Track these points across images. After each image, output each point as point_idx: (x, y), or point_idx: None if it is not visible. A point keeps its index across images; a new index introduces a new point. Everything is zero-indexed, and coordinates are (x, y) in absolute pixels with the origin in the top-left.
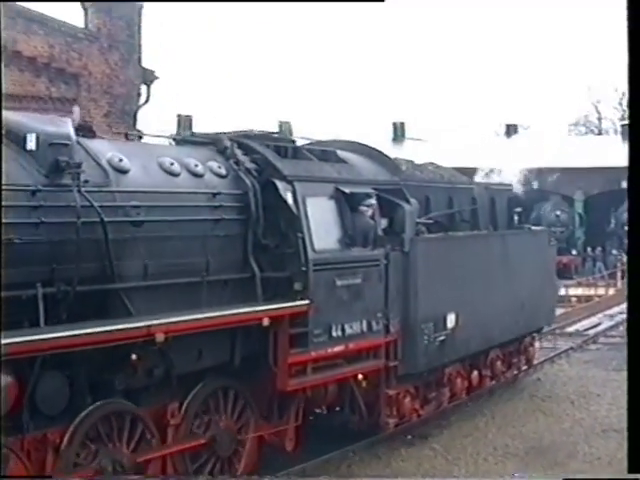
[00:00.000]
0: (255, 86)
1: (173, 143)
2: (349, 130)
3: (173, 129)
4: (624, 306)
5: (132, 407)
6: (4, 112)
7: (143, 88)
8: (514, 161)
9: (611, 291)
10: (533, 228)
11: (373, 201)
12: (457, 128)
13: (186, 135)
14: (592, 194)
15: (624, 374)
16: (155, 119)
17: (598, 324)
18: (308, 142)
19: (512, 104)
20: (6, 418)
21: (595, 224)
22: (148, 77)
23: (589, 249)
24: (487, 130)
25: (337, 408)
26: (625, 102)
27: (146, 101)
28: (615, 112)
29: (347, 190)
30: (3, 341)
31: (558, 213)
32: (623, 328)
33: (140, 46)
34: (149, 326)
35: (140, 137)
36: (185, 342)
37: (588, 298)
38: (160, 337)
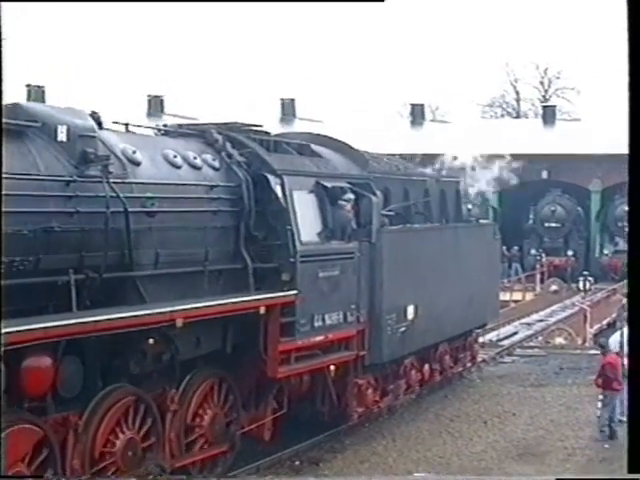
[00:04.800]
0: (126, 58)
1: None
2: (227, 105)
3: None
4: (543, 313)
5: (142, 392)
6: (32, 104)
7: None
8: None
9: (529, 296)
10: (480, 221)
11: (351, 195)
12: (357, 108)
13: (174, 126)
14: (507, 186)
15: (543, 390)
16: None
17: (514, 333)
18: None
19: (418, 82)
20: (40, 399)
21: (510, 220)
22: None
23: (504, 248)
24: (390, 110)
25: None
26: (547, 81)
27: None
28: (535, 92)
29: (328, 184)
30: (46, 324)
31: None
32: (542, 338)
33: None
34: (172, 312)
35: (126, 127)
36: (188, 330)
37: (503, 304)
38: (179, 322)
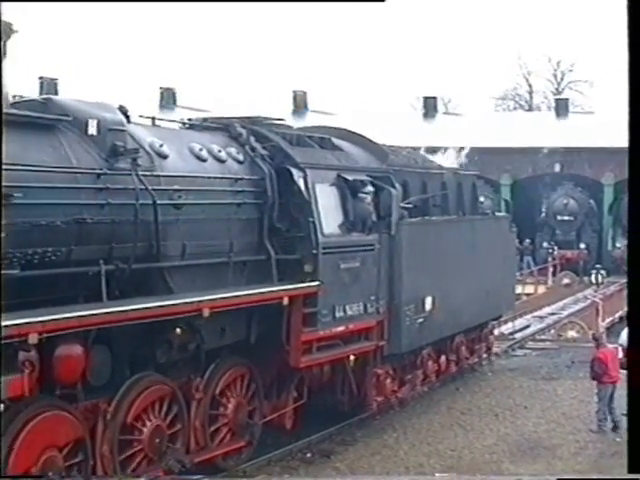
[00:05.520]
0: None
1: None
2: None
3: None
4: (555, 306)
5: (168, 380)
6: (63, 98)
7: None
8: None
9: (541, 289)
10: (496, 214)
11: (371, 188)
12: (370, 101)
13: (198, 120)
14: (520, 178)
15: (554, 384)
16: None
17: (526, 326)
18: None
19: (431, 75)
20: (71, 386)
21: (523, 213)
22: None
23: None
24: (403, 103)
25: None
26: (560, 74)
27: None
28: (548, 85)
29: (349, 177)
30: (81, 313)
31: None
32: (554, 331)
33: None
34: (199, 302)
35: (153, 120)
36: (214, 320)
37: (515, 297)
38: (206, 312)
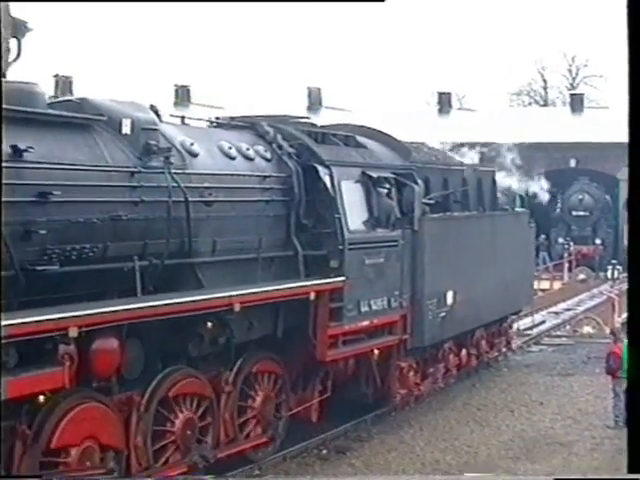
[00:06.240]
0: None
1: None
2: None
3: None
4: (571, 302)
5: (199, 374)
6: (98, 98)
7: (13, 42)
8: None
9: (557, 285)
10: (515, 209)
11: (394, 185)
12: (385, 96)
13: (226, 119)
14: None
15: (570, 380)
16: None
17: (541, 322)
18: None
19: (446, 71)
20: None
21: (538, 208)
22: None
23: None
24: (417, 99)
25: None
26: (575, 69)
27: (16, 57)
28: (563, 80)
29: (374, 174)
30: (119, 307)
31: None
32: (570, 327)
33: None
34: (230, 297)
35: (182, 119)
36: (243, 314)
37: None
38: (237, 307)
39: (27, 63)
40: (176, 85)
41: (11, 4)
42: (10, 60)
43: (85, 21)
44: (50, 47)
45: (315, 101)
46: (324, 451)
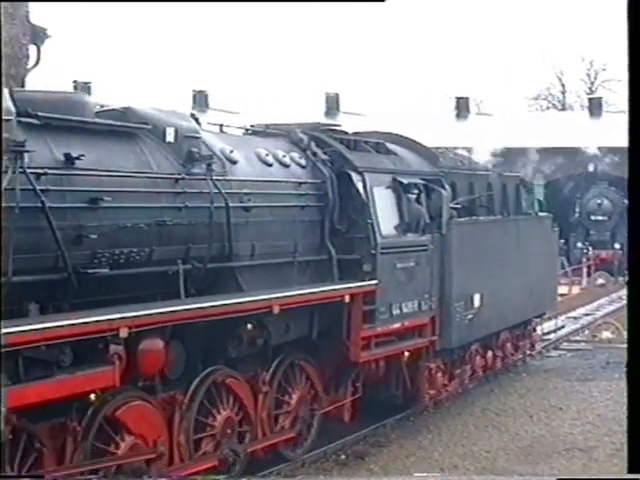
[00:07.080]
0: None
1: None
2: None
3: None
4: (589, 307)
5: (238, 374)
6: (142, 107)
7: (32, 49)
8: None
9: (575, 290)
10: (539, 214)
11: (424, 190)
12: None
13: (261, 126)
14: (554, 178)
15: (589, 385)
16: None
17: (560, 327)
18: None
19: (463, 75)
20: (151, 379)
21: (557, 213)
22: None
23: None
24: (435, 104)
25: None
26: (593, 73)
27: (36, 64)
28: (582, 84)
29: (404, 180)
30: (168, 308)
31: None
32: (589, 332)
33: None
34: (270, 299)
35: (220, 127)
36: (280, 316)
37: None
38: (276, 309)
39: (46, 69)
40: (194, 90)
41: (31, 11)
42: (29, 66)
43: (103, 27)
44: (69, 53)
45: (332, 106)
46: (342, 456)
